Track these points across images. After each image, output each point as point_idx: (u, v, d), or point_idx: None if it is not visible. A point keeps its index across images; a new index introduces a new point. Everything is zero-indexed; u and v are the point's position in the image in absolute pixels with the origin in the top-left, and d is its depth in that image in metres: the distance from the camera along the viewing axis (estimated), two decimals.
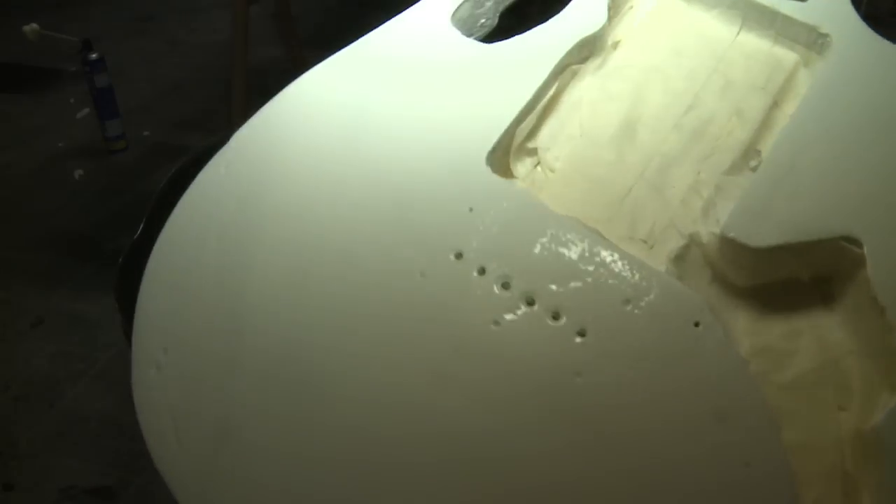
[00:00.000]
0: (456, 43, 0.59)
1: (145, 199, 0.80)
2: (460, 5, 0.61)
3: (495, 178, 0.52)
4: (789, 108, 0.57)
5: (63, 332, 1.31)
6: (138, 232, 0.76)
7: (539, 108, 0.57)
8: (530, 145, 0.56)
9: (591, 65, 0.60)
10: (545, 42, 0.58)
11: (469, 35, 0.62)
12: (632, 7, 0.63)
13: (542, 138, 0.57)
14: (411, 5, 0.63)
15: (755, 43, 0.60)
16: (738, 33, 0.61)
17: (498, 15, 0.63)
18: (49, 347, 1.28)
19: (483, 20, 0.63)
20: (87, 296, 1.39)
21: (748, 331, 0.50)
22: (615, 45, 0.61)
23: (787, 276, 0.51)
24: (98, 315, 1.34)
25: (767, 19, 0.60)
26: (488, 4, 0.62)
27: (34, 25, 1.91)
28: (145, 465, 1.09)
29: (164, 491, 1.11)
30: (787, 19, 0.59)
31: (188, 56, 2.32)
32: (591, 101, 0.58)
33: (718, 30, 0.61)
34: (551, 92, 0.57)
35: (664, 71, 0.59)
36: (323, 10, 2.54)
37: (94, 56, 1.76)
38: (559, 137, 0.57)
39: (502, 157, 0.55)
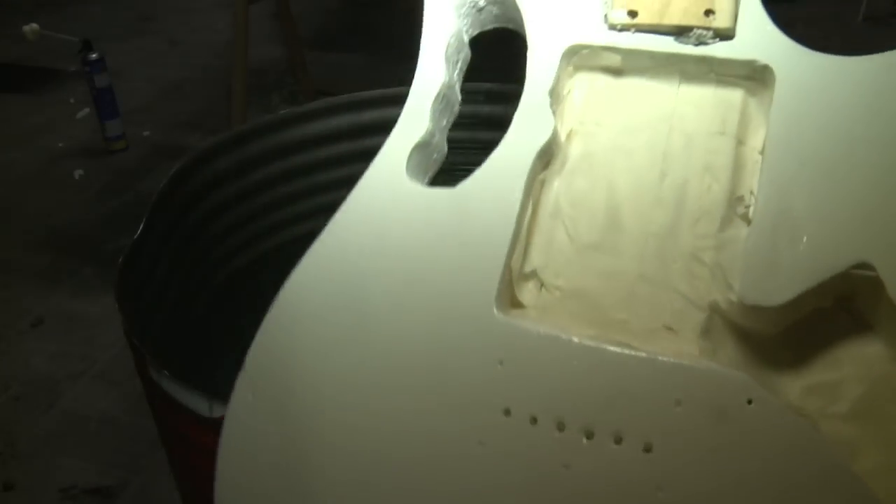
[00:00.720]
0: (422, 197, 0.58)
1: (145, 199, 0.81)
2: (410, 155, 0.59)
3: (511, 323, 0.52)
4: (753, 141, 0.56)
5: (63, 332, 1.31)
6: (138, 232, 0.76)
7: (523, 233, 0.56)
8: (527, 269, 0.56)
9: (554, 167, 0.59)
10: (505, 166, 0.57)
11: (426, 175, 0.61)
12: (570, 91, 0.61)
13: (536, 259, 0.56)
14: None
15: (698, 91, 0.59)
16: (679, 87, 0.60)
17: (446, 142, 0.62)
18: (49, 347, 1.28)
19: (435, 155, 0.61)
20: (87, 296, 1.39)
21: (792, 375, 0.50)
22: (568, 136, 0.60)
23: (811, 309, 0.51)
24: (98, 315, 1.34)
25: (703, 66, 0.58)
26: (435, 140, 0.61)
27: (34, 25, 1.91)
28: (145, 465, 1.10)
29: (164, 491, 1.12)
30: (722, 61, 0.58)
31: (188, 56, 2.32)
32: (568, 204, 0.57)
33: (659, 90, 0.60)
34: (529, 212, 0.57)
35: (624, 149, 0.58)
36: (323, 10, 2.54)
37: (94, 56, 1.76)
38: (551, 252, 0.56)
39: (507, 292, 0.54)
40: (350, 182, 1.02)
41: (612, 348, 0.50)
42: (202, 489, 0.69)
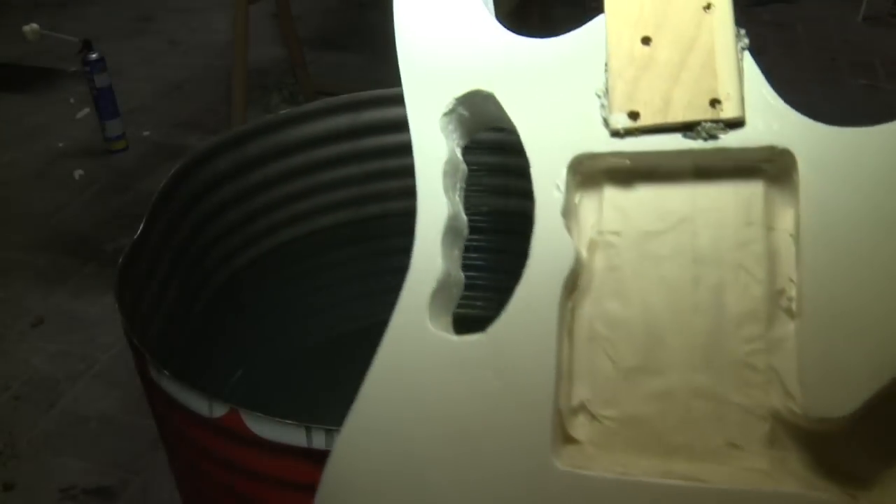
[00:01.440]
0: (452, 349, 0.54)
1: (145, 199, 0.80)
2: (430, 303, 0.56)
3: (573, 473, 0.50)
4: (782, 224, 0.54)
5: (63, 332, 1.31)
6: (138, 232, 0.76)
7: (565, 367, 0.53)
8: (575, 403, 0.53)
9: (581, 287, 0.56)
10: (533, 302, 0.54)
11: (450, 313, 0.58)
12: (580, 200, 0.58)
13: (582, 391, 0.53)
14: None
15: (716, 183, 0.55)
16: (695, 181, 0.56)
17: (461, 269, 0.59)
18: (49, 347, 1.28)
19: (454, 290, 0.59)
20: (87, 296, 1.39)
21: (870, 467, 0.48)
22: (589, 248, 0.57)
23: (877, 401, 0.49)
24: (98, 315, 1.34)
25: (717, 158, 0.55)
26: (451, 277, 0.57)
27: (34, 25, 1.91)
28: (145, 465, 1.10)
29: (164, 491, 1.12)
30: (738, 150, 0.54)
31: (188, 56, 2.32)
32: (603, 327, 0.54)
33: (675, 188, 0.56)
34: (566, 347, 0.54)
35: (650, 258, 0.55)
36: (323, 10, 2.54)
37: (94, 56, 1.76)
38: (596, 381, 0.53)
39: (559, 434, 0.52)
40: (350, 182, 1.03)
41: (684, 484, 0.47)
42: (202, 489, 0.69)
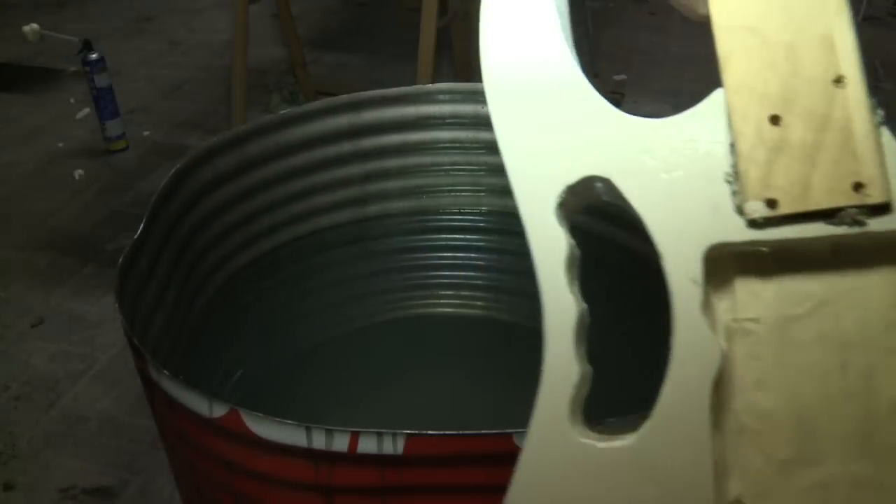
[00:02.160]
0: (601, 458, 0.53)
1: (145, 199, 0.81)
2: (571, 406, 0.55)
3: None
4: None
5: (63, 332, 1.31)
6: (138, 232, 0.76)
7: (717, 466, 0.52)
8: (730, 498, 0.53)
9: (724, 380, 0.54)
10: (682, 404, 0.53)
11: (582, 408, 0.56)
12: (714, 289, 0.56)
13: (735, 486, 0.53)
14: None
15: (856, 267, 0.53)
16: (834, 265, 0.54)
17: (586, 362, 0.56)
18: (49, 347, 1.28)
19: (587, 387, 0.56)
20: (87, 296, 1.39)
21: None
22: (726, 336, 0.55)
23: None
24: (98, 315, 1.34)
25: (858, 244, 0.52)
26: (585, 374, 0.55)
27: (34, 25, 1.91)
28: (145, 465, 1.10)
29: (164, 491, 1.12)
30: (884, 234, 0.51)
31: (188, 56, 2.32)
32: (752, 420, 0.53)
33: (812, 273, 0.54)
34: (717, 442, 0.53)
35: (793, 344, 0.53)
36: (324, 10, 2.54)
37: (94, 56, 1.77)
38: (748, 475, 0.52)
39: None
40: (350, 182, 1.03)
41: None
42: (202, 489, 0.69)
